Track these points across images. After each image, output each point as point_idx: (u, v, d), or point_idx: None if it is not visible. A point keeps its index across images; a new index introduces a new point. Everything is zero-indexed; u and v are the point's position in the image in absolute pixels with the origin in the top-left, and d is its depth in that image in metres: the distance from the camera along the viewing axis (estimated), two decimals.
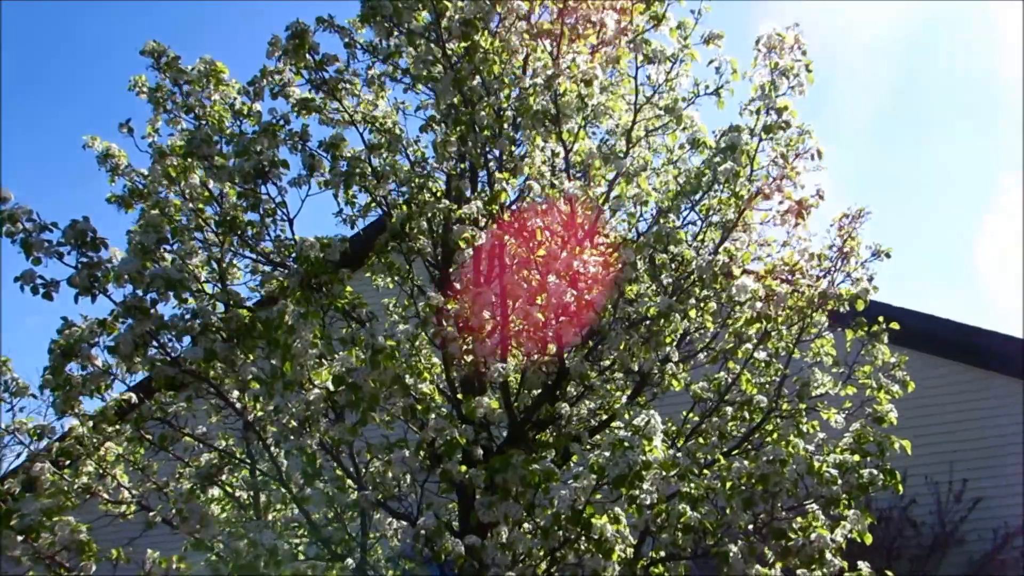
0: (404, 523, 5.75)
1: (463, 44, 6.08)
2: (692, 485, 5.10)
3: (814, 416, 6.45)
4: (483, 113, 6.06)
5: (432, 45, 6.34)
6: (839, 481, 5.29)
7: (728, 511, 5.22)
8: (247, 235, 6.57)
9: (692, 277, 6.06)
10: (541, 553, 5.27)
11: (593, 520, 4.80)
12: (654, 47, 6.01)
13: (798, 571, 5.44)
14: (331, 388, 4.99)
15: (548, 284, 5.59)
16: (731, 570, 5.15)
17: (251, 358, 5.70)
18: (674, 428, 6.57)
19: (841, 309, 6.26)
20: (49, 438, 6.37)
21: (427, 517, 5.10)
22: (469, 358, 5.93)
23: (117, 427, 6.24)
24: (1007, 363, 10.49)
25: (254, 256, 6.67)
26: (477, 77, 6.10)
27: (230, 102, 6.89)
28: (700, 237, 6.52)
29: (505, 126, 6.29)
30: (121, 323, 5.69)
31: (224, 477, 6.43)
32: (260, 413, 6.03)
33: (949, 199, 26.17)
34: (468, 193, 6.57)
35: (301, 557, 5.78)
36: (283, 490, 6.00)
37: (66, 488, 6.16)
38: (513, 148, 6.44)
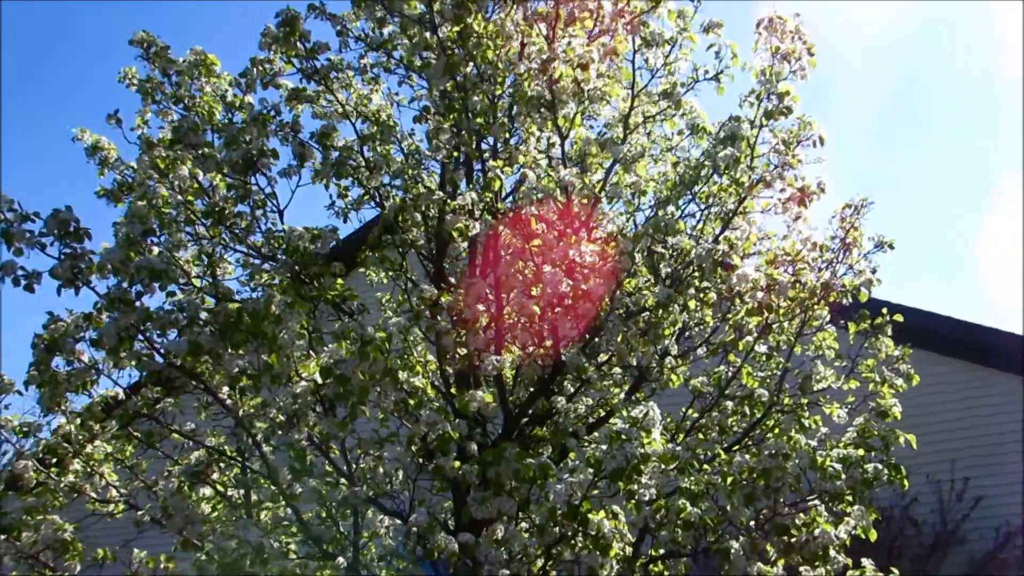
0: (397, 521, 5.62)
1: (456, 28, 5.95)
2: (692, 480, 4.96)
3: (816, 411, 6.32)
4: (476, 98, 5.94)
5: (427, 35, 6.22)
6: (843, 476, 5.16)
7: (729, 507, 5.08)
8: (237, 228, 6.46)
9: (691, 267, 5.92)
10: (538, 552, 5.13)
11: (590, 516, 4.66)
12: (652, 29, 5.89)
13: (801, 568, 5.30)
14: (319, 381, 4.84)
15: (543, 274, 5.45)
16: (732, 567, 5.01)
17: (241, 353, 5.56)
18: (673, 424, 6.45)
19: (844, 301, 6.13)
20: (36, 436, 6.28)
21: (419, 514, 4.95)
22: (463, 351, 5.80)
23: (103, 424, 6.12)
24: (1008, 360, 10.39)
25: (245, 250, 6.56)
26: (471, 63, 5.97)
27: (222, 94, 6.79)
28: (699, 227, 6.39)
29: (499, 114, 6.17)
30: (108, 317, 5.56)
31: (216, 476, 6.30)
32: (251, 410, 5.90)
33: (949, 199, 26.12)
34: (463, 185, 6.47)
35: (292, 556, 5.64)
36: (273, 488, 5.86)
37: (52, 487, 6.06)
38: (508, 135, 6.32)
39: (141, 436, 6.05)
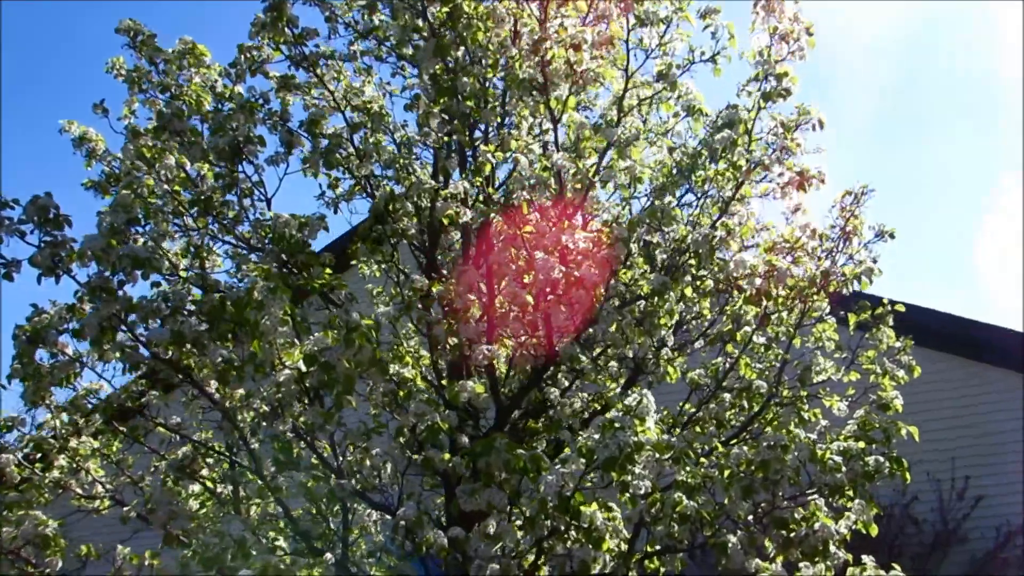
0: (386, 516, 5.47)
1: (445, 8, 5.81)
2: (688, 473, 4.81)
3: (816, 403, 6.20)
4: (466, 80, 5.80)
5: (418, 21, 6.10)
6: (843, 469, 5.01)
7: (727, 500, 4.93)
8: (225, 218, 6.34)
9: (687, 254, 5.79)
10: (529, 547, 4.98)
11: (582, 508, 4.52)
12: (646, 7, 5.75)
13: (800, 564, 5.15)
14: (303, 369, 4.70)
15: (536, 260, 5.30)
16: (730, 562, 4.85)
17: (227, 344, 5.42)
18: (670, 418, 6.32)
19: (844, 291, 6.01)
20: (20, 430, 6.17)
21: (407, 507, 4.80)
22: (454, 341, 5.66)
23: (87, 419, 6.00)
24: (1006, 357, 10.27)
25: (233, 241, 6.45)
26: (461, 46, 5.84)
27: (211, 84, 6.68)
28: (696, 215, 6.26)
29: (491, 99, 6.04)
30: (90, 307, 5.43)
31: (205, 472, 6.17)
32: (237, 402, 5.76)
33: (949, 198, 25.98)
34: (456, 174, 6.34)
35: (280, 552, 5.50)
36: (260, 482, 5.73)
37: (37, 482, 5.93)
38: (500, 120, 6.19)
39: (126, 430, 5.91)
